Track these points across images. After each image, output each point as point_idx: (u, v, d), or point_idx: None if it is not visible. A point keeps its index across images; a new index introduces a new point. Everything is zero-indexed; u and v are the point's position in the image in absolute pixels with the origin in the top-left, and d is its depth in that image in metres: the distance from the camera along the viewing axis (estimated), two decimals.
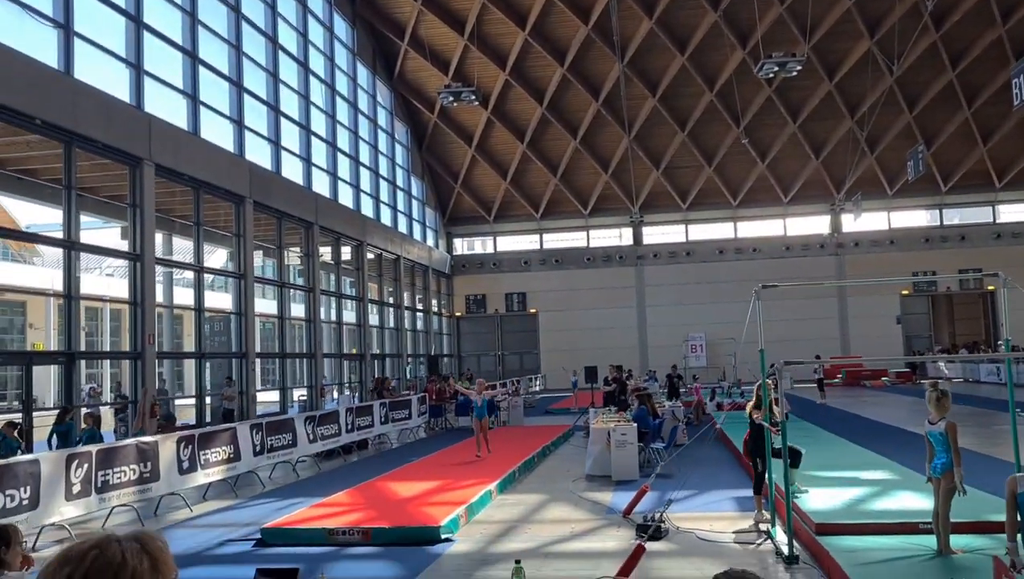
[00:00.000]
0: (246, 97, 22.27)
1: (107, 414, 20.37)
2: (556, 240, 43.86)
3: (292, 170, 25.12)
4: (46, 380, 25.66)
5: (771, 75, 29.03)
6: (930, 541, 7.46)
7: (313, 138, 26.73)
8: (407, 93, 37.56)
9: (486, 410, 16.23)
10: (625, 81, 35.82)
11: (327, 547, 9.00)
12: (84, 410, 16.26)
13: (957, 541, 7.36)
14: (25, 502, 8.97)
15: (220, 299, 27.58)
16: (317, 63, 28.04)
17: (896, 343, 40.07)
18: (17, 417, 13.66)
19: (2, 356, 26.10)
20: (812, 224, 42.13)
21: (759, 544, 8.49)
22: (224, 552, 9.05)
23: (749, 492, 10.31)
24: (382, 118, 35.35)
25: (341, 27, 31.19)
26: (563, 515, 10.53)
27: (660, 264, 42.25)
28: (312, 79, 27.11)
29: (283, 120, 24.54)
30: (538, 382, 40.46)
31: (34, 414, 14.34)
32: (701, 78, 36.40)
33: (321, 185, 27.24)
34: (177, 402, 22.27)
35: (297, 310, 25.76)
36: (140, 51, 17.49)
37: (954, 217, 42.15)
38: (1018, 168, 39.38)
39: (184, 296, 22.57)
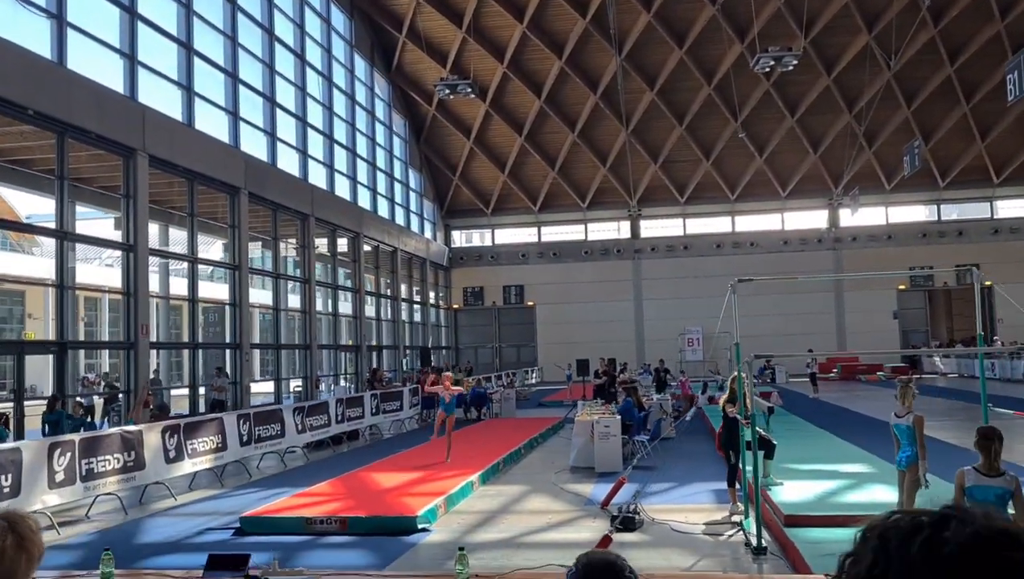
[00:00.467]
0: (241, 88, 22.33)
1: (102, 404, 20.57)
2: (554, 233, 43.93)
3: (288, 162, 25.21)
4: (44, 370, 25.80)
5: (767, 69, 29.12)
6: None
7: (309, 130, 26.78)
8: (405, 85, 37.60)
9: (454, 406, 14.80)
10: (623, 74, 35.80)
11: (304, 536, 9.12)
12: (78, 398, 16.42)
13: None
14: (6, 490, 9.08)
15: (218, 290, 27.70)
16: (314, 54, 28.08)
17: (893, 338, 40.04)
18: (8, 406, 13.78)
19: None
20: (810, 218, 42.19)
21: (730, 536, 8.59)
22: (203, 541, 9.16)
23: None
24: (380, 110, 35.39)
25: (339, 18, 31.20)
26: (542, 506, 10.64)
27: (658, 258, 42.33)
28: (309, 70, 27.15)
29: (279, 111, 24.60)
30: (535, 375, 40.61)
31: (25, 403, 14.47)
32: (699, 72, 36.39)
33: (318, 177, 27.33)
34: (173, 393, 22.41)
35: (294, 301, 25.88)
36: (134, 42, 17.55)
37: (952, 212, 42.15)
38: (1016, 164, 39.33)
39: (180, 287, 22.70)
